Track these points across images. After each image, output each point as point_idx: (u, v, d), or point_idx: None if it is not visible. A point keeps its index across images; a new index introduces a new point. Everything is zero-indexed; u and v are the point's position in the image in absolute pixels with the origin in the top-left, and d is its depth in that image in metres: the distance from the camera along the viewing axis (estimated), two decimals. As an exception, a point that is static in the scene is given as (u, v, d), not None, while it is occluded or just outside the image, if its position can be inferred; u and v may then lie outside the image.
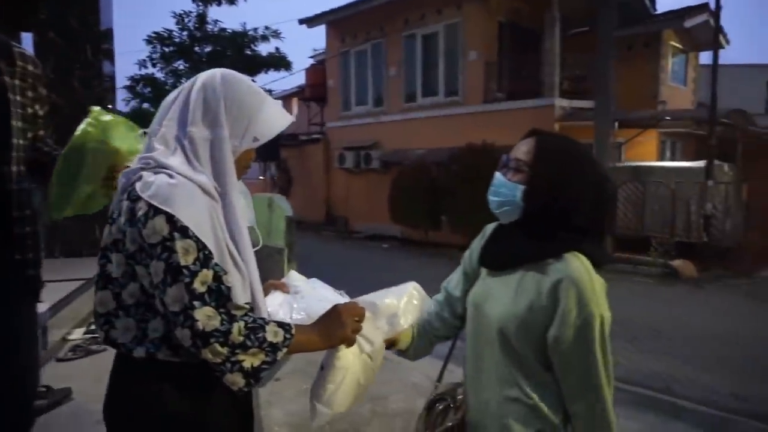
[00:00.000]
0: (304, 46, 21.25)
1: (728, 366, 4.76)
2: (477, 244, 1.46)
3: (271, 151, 14.24)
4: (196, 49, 10.29)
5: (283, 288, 1.47)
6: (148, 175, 1.12)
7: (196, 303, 1.06)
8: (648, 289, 7.96)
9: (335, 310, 1.26)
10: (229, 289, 1.11)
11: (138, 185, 1.11)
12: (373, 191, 13.86)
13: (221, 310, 1.07)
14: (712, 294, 7.69)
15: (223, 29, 10.54)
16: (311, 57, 20.45)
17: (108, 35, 6.28)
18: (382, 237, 12.96)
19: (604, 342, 1.16)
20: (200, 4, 10.19)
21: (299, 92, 19.50)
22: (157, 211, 1.07)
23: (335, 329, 1.23)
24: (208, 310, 1.06)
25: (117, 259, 1.14)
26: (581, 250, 1.20)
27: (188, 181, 1.12)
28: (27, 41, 10.97)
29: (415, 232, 12.19)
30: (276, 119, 1.31)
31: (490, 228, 1.43)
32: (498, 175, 1.31)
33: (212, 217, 1.12)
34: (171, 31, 10.05)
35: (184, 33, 10.25)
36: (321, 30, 16.26)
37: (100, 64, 5.75)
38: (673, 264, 8.83)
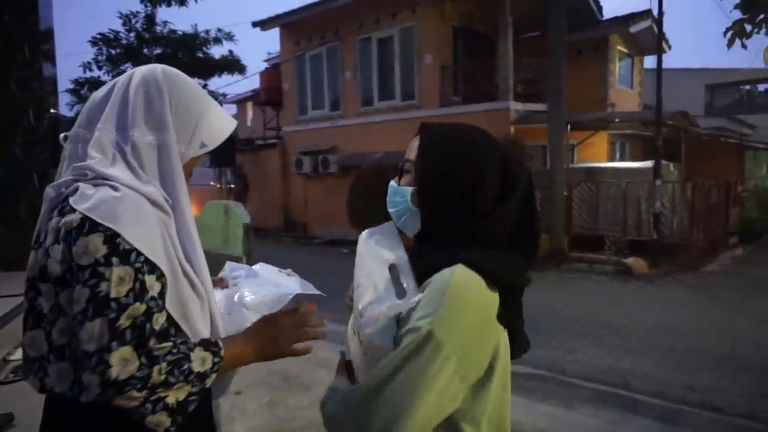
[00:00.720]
0: (258, 50, 20.90)
1: (681, 358, 4.92)
2: None
3: (226, 156, 13.92)
4: (145, 51, 9.97)
5: (221, 284, 1.29)
6: (86, 187, 0.96)
7: (114, 344, 0.88)
8: (602, 287, 8.18)
9: (269, 321, 1.12)
10: (154, 330, 0.93)
11: (72, 198, 0.95)
12: (332, 196, 13.75)
13: (140, 351, 0.90)
14: (663, 289, 7.96)
15: (173, 31, 10.25)
16: (266, 60, 20.18)
17: (48, 35, 5.99)
18: (342, 242, 12.86)
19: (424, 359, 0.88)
20: (148, 5, 9.86)
21: (254, 96, 19.20)
22: (95, 226, 0.91)
23: (270, 343, 1.10)
24: (126, 351, 0.89)
25: (46, 289, 0.96)
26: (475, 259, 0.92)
27: (136, 193, 0.97)
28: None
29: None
30: (223, 123, 1.18)
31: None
32: (391, 183, 1.10)
33: (164, 235, 0.99)
34: (118, 32, 9.70)
35: (132, 34, 9.91)
36: (275, 33, 16.06)
37: (40, 66, 5.48)
38: (626, 261, 9.10)
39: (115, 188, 0.95)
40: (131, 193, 0.96)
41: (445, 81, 12.23)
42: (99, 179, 0.98)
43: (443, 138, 1.05)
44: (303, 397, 3.62)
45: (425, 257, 0.98)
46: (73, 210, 0.93)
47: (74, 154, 1.04)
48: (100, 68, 9.70)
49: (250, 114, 22.22)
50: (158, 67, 1.10)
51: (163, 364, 0.93)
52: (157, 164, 1.04)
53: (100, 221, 0.91)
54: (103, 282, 0.89)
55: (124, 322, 0.89)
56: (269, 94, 16.98)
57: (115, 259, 0.90)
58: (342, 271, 1.30)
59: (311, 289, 1.30)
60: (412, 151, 1.07)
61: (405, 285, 0.95)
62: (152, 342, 0.93)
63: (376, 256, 1.04)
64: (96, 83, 9.22)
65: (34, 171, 5.29)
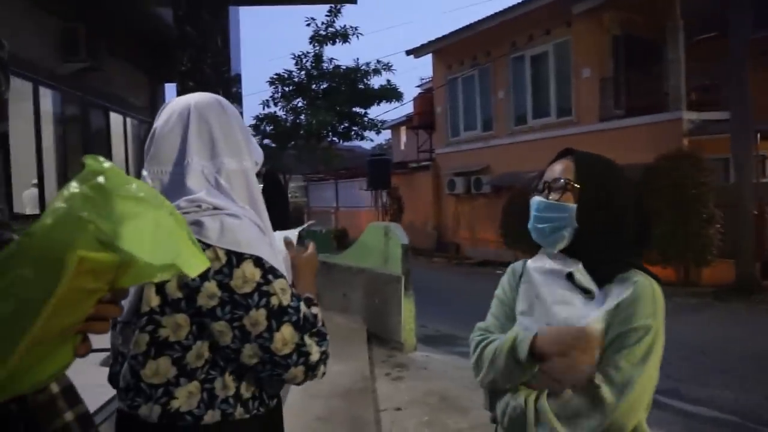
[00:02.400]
0: (412, 76, 21.79)
1: None
2: (513, 279, 1.31)
3: (382, 179, 14.59)
4: (313, 86, 10.96)
5: None
6: (209, 221, 1.00)
7: (306, 338, 1.04)
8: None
9: (303, 264, 1.30)
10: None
11: (201, 232, 0.98)
12: (484, 216, 13.66)
13: (315, 335, 1.08)
14: None
15: (338, 66, 11.13)
16: (418, 86, 20.88)
17: (237, 80, 6.89)
18: (495, 263, 12.68)
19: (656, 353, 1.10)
20: (317, 45, 10.87)
21: (407, 121, 19.93)
22: (241, 257, 0.99)
23: (312, 279, 1.29)
24: (311, 340, 1.06)
25: (175, 320, 1.00)
26: (643, 268, 1.16)
27: (248, 219, 1.05)
28: (171, 90, 12.31)
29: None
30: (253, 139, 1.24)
31: (521, 265, 1.31)
32: (538, 199, 1.21)
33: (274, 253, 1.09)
34: (291, 71, 10.83)
35: (302, 72, 10.98)
36: (428, 59, 16.59)
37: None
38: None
39: (232, 216, 1.02)
40: (246, 220, 1.04)
41: (605, 94, 11.56)
42: (213, 210, 1.02)
43: (601, 166, 1.22)
44: (461, 419, 3.65)
45: (603, 266, 1.13)
46: (207, 245, 0.97)
47: (175, 183, 1.06)
48: (276, 104, 10.90)
49: (403, 138, 23.08)
50: (214, 97, 1.13)
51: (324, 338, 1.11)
52: (246, 189, 1.10)
53: (243, 252, 0.99)
54: (272, 297, 1.00)
55: (301, 319, 1.05)
56: (422, 118, 17.51)
57: (270, 277, 1.01)
58: (493, 293, 1.35)
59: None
60: (562, 172, 1.19)
61: (590, 288, 1.11)
62: (318, 325, 1.11)
63: (549, 272, 1.18)
64: (273, 118, 10.37)
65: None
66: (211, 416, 1.01)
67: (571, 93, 12.22)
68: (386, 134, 25.34)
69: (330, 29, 10.71)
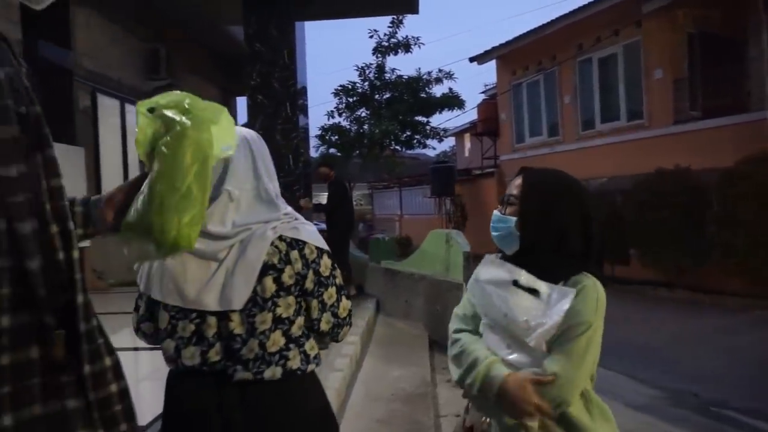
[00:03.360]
0: (475, 83, 21.63)
1: None
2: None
3: (445, 186, 14.58)
4: (376, 96, 11.16)
5: None
6: (301, 227, 1.38)
7: (349, 304, 1.47)
8: None
9: None
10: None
11: (298, 234, 1.35)
12: (551, 223, 13.33)
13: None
14: None
15: (400, 76, 11.29)
16: (482, 92, 20.72)
17: (303, 93, 7.18)
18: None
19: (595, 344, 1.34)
20: (379, 56, 11.07)
21: (471, 128, 19.81)
22: (322, 251, 1.38)
23: None
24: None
25: (287, 301, 1.33)
26: (588, 271, 1.37)
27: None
28: (242, 103, 12.86)
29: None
30: None
31: (491, 258, 1.53)
32: (495, 212, 1.49)
33: None
34: (354, 83, 11.09)
35: (366, 83, 11.21)
36: (491, 65, 16.46)
37: (297, 118, 6.58)
38: None
39: (307, 224, 1.41)
40: (312, 225, 1.44)
41: (679, 95, 11.02)
42: (296, 220, 1.40)
43: (544, 183, 1.45)
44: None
45: (551, 269, 1.36)
46: (305, 243, 1.35)
47: (246, 204, 1.34)
48: (340, 115, 11.20)
49: (467, 145, 22.95)
50: (253, 132, 1.47)
51: None
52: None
53: (323, 248, 1.39)
54: (337, 278, 1.42)
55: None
56: (486, 125, 17.37)
57: (334, 264, 1.42)
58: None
59: None
60: (514, 188, 1.45)
61: (536, 288, 1.34)
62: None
63: (498, 282, 1.40)
64: (338, 129, 10.66)
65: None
66: (309, 369, 1.39)
67: (643, 95, 11.75)
68: (450, 141, 25.26)
69: (392, 40, 10.89)
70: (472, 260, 5.49)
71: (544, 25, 13.54)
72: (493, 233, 1.48)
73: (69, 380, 0.78)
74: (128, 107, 7.99)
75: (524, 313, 1.32)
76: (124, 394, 0.89)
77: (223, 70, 11.55)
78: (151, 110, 1.09)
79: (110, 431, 0.85)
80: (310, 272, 1.34)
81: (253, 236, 1.30)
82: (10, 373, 0.70)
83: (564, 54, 13.48)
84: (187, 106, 1.08)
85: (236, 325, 1.30)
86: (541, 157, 14.40)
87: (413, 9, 8.88)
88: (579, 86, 13.34)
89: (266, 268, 1.30)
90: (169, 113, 1.07)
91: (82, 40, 6.99)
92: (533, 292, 1.34)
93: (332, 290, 1.39)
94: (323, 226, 12.08)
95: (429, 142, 12.35)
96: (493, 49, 15.60)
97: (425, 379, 4.60)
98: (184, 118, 1.07)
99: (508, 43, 14.97)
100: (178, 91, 1.15)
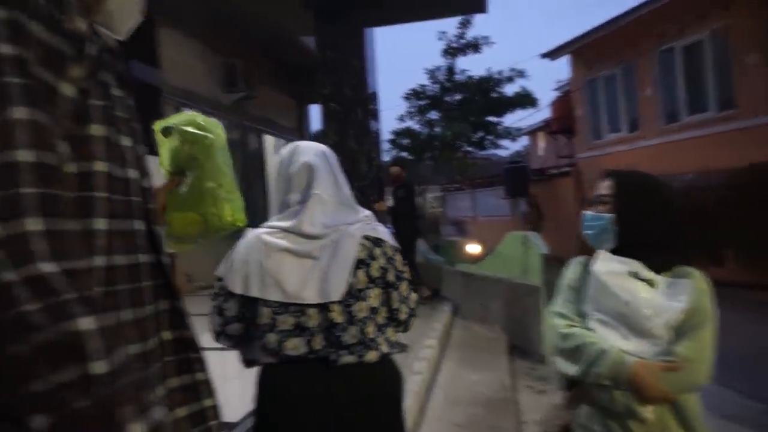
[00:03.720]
0: (548, 79, 20.98)
1: None
2: (576, 275, 1.66)
3: (519, 187, 14.23)
4: (447, 98, 11.09)
5: None
6: (379, 227, 1.60)
7: (417, 298, 1.68)
8: None
9: None
10: None
11: (378, 234, 1.57)
12: (633, 223, 12.68)
13: None
14: None
15: (470, 77, 11.15)
16: (555, 89, 20.08)
17: (374, 98, 7.27)
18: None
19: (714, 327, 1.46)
20: (449, 57, 11.00)
21: (545, 126, 19.25)
22: (396, 249, 1.59)
23: None
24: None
25: (375, 292, 1.52)
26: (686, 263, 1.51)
27: None
28: (315, 111, 13.17)
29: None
30: None
31: (585, 260, 1.65)
32: (586, 212, 1.64)
33: None
34: (425, 86, 11.06)
35: (436, 86, 11.16)
36: (565, 61, 15.92)
37: (368, 123, 6.66)
38: None
39: (380, 225, 1.62)
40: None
41: (776, 81, 10.17)
42: (374, 222, 1.61)
43: (635, 183, 1.59)
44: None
45: (653, 261, 1.48)
46: (384, 241, 1.57)
47: (344, 205, 1.59)
48: (411, 118, 11.22)
49: (541, 144, 22.31)
50: (325, 146, 1.69)
51: None
52: None
53: (396, 246, 1.61)
54: (407, 273, 1.61)
55: None
56: (561, 122, 16.80)
57: (404, 260, 1.63)
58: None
59: None
60: (605, 189, 1.59)
61: (655, 279, 1.46)
62: None
63: (616, 274, 1.48)
64: (409, 132, 10.68)
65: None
66: (393, 353, 1.57)
67: (734, 84, 10.94)
68: (524, 140, 24.68)
69: (461, 41, 10.78)
70: (550, 263, 5.32)
71: (620, 15, 12.93)
72: (588, 231, 1.63)
73: (196, 357, 0.92)
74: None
75: (645, 302, 1.42)
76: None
77: (295, 80, 11.90)
78: (166, 130, 1.31)
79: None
80: (390, 267, 1.54)
81: (343, 236, 1.49)
82: (157, 352, 0.83)
83: (644, 45, 12.80)
84: (202, 123, 1.32)
85: (336, 315, 1.46)
86: (621, 153, 13.74)
87: (482, 8, 8.74)
88: (660, 78, 12.62)
89: (358, 263, 1.49)
90: (189, 129, 1.30)
91: (167, 57, 7.44)
92: (649, 282, 1.45)
93: (405, 284, 1.59)
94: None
95: (502, 142, 12.11)
96: (566, 44, 15.08)
97: (504, 384, 4.50)
98: (207, 133, 1.31)
99: (582, 36, 14.41)
100: (188, 112, 1.41)
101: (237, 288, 1.46)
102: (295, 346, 1.43)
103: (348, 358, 1.45)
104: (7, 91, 0.63)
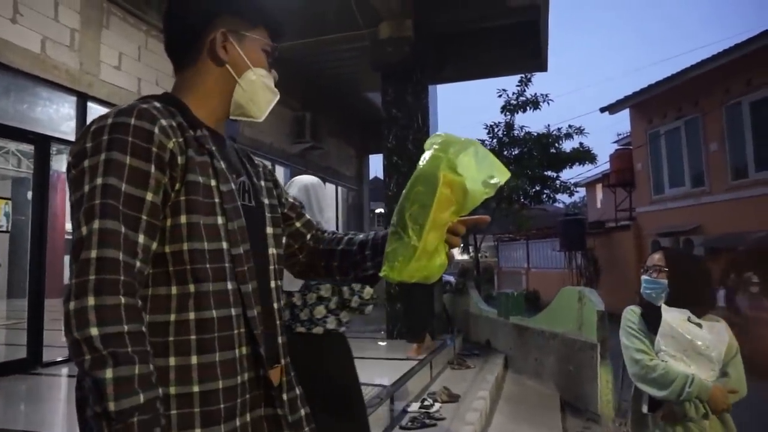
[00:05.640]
0: (608, 133, 20.84)
1: None
2: (638, 321, 2.27)
3: (575, 240, 14.04)
4: (504, 153, 11.27)
5: None
6: None
7: (372, 291, 2.47)
8: None
9: None
10: None
11: None
12: (698, 281, 12.19)
13: None
14: None
15: (529, 133, 11.32)
16: (615, 142, 19.89)
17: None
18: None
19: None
20: (508, 114, 11.26)
21: (603, 178, 19.01)
22: None
23: None
24: None
25: (326, 287, 2.35)
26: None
27: None
28: (374, 161, 13.53)
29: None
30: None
31: (636, 310, 2.31)
32: (645, 277, 2.26)
33: None
34: (483, 141, 11.28)
35: (494, 141, 11.39)
36: (623, 114, 15.87)
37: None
38: None
39: None
40: None
41: None
42: None
43: (681, 256, 2.42)
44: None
45: (699, 310, 2.16)
46: None
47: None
48: (468, 171, 11.39)
49: (599, 196, 21.95)
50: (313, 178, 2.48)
51: None
52: None
53: None
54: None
55: None
56: (620, 176, 16.59)
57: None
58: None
59: None
60: (657, 261, 2.25)
61: (701, 323, 2.11)
62: None
63: (679, 320, 2.10)
64: (466, 185, 10.87)
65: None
66: (341, 330, 2.44)
67: (806, 141, 10.59)
68: (580, 192, 24.34)
69: (521, 98, 11.04)
70: (607, 320, 5.29)
71: (684, 70, 12.87)
72: (647, 291, 2.24)
73: (276, 394, 1.06)
74: (277, 168, 8.96)
75: (701, 339, 2.05)
76: (309, 418, 1.16)
77: (359, 132, 12.47)
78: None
79: None
80: None
81: None
82: (245, 387, 0.99)
83: (709, 99, 12.64)
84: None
85: (296, 300, 2.31)
86: (684, 209, 13.39)
87: (542, 67, 9.03)
88: (728, 132, 12.36)
89: None
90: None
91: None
92: (697, 325, 2.08)
93: (359, 284, 2.22)
94: (449, 278, 12.20)
95: (559, 196, 12.09)
96: (627, 98, 15.07)
97: (558, 442, 4.48)
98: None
99: (643, 90, 14.39)
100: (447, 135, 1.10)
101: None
102: None
103: (300, 329, 2.29)
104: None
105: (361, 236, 1.27)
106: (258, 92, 1.14)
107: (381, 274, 1.05)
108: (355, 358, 2.42)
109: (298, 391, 1.15)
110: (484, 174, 1.03)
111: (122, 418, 0.79)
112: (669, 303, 2.15)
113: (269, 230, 1.16)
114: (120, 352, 0.81)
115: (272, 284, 1.13)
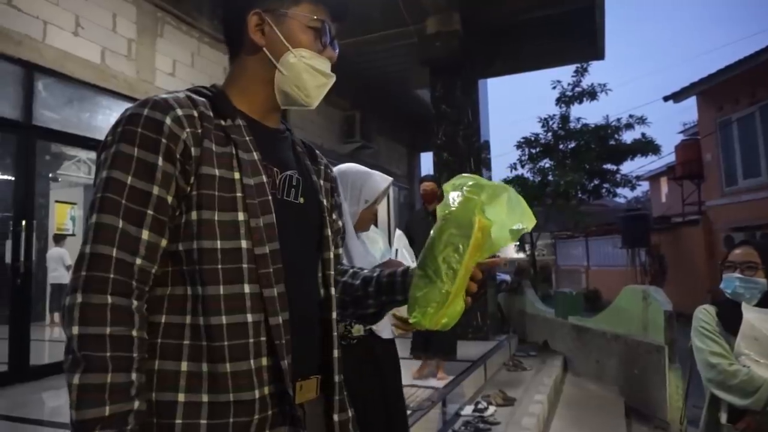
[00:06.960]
0: (671, 123, 19.81)
1: None
2: (713, 322, 2.06)
3: (638, 236, 13.37)
4: (560, 146, 10.87)
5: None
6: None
7: None
8: None
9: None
10: None
11: None
12: (776, 279, 11.36)
13: None
14: None
15: (586, 125, 10.85)
16: (680, 132, 18.87)
17: (485, 147, 7.42)
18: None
19: None
20: (563, 106, 10.85)
21: (669, 171, 18.07)
22: None
23: None
24: None
25: None
26: None
27: None
28: (425, 158, 13.51)
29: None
30: (378, 184, 2.12)
31: (710, 310, 2.10)
32: (736, 275, 2.04)
33: None
34: (537, 134, 10.94)
35: (549, 134, 10.99)
36: (690, 103, 14.99)
37: (480, 172, 6.78)
38: None
39: None
40: None
41: None
42: None
43: None
44: None
45: None
46: None
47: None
48: (523, 167, 11.09)
49: (664, 190, 20.89)
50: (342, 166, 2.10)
51: None
52: None
53: None
54: None
55: None
56: (687, 167, 15.69)
57: None
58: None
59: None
60: (749, 256, 2.03)
61: None
62: None
63: (766, 322, 1.94)
64: (521, 180, 10.57)
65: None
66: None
67: None
68: (643, 186, 23.28)
69: (576, 89, 10.61)
70: (675, 320, 4.95)
71: (757, 53, 12.00)
72: (740, 291, 2.02)
73: (295, 414, 0.92)
74: (329, 168, 9.02)
75: None
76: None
77: (409, 129, 12.39)
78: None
79: None
80: None
81: None
82: (265, 402, 0.88)
83: (785, 84, 11.75)
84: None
85: None
86: (761, 201, 12.49)
87: (599, 55, 8.65)
88: (808, 119, 11.44)
89: None
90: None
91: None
92: None
93: None
94: (505, 276, 11.87)
95: (619, 190, 11.52)
96: (693, 85, 14.21)
97: (622, 450, 4.23)
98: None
99: (711, 76, 13.52)
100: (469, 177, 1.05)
101: None
102: None
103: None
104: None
105: (365, 272, 1.16)
106: (301, 76, 0.99)
107: (411, 321, 0.97)
108: (402, 359, 2.32)
109: (350, 413, 1.04)
110: (514, 221, 0.98)
111: (82, 429, 0.74)
112: (760, 304, 1.98)
113: (327, 232, 1.07)
114: (94, 357, 0.76)
115: (322, 292, 1.05)
